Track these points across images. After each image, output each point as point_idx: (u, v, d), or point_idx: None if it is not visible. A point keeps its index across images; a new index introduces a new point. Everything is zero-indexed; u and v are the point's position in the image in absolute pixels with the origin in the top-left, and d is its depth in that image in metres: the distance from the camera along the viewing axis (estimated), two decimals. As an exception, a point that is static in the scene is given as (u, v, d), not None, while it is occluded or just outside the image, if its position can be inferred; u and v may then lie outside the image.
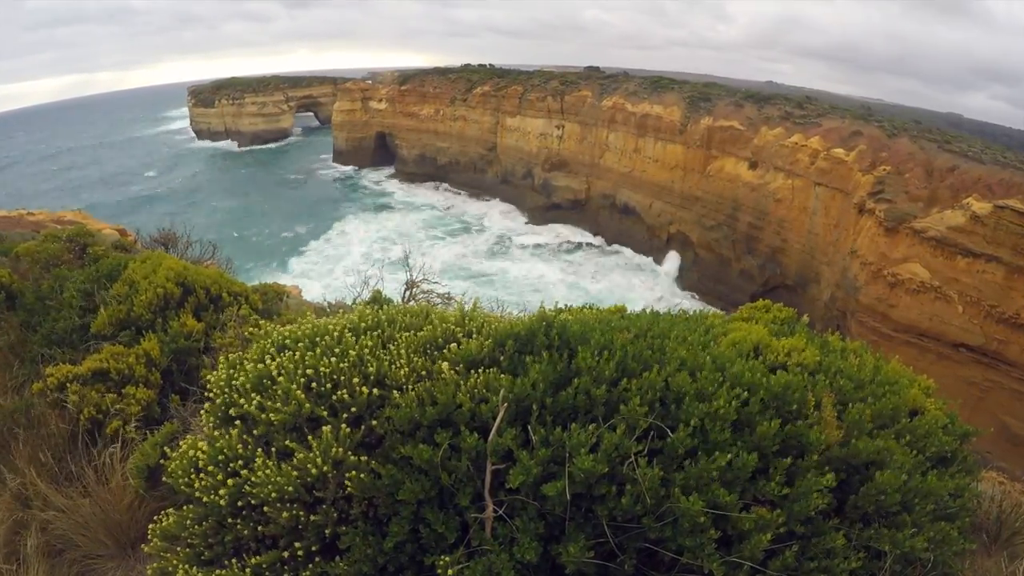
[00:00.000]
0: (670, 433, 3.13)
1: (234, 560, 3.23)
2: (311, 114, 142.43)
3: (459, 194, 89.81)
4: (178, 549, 3.37)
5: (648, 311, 5.13)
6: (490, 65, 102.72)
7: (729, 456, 3.04)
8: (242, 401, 3.45)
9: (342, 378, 3.46)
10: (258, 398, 3.44)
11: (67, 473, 4.65)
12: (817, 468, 3.26)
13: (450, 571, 2.91)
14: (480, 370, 3.43)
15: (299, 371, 3.50)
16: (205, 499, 3.27)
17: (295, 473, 3.15)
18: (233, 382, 3.62)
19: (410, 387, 3.41)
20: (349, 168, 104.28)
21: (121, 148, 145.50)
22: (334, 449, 3.16)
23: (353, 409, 3.34)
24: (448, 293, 9.70)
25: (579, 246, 74.05)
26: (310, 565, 3.13)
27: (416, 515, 3.11)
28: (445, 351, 3.64)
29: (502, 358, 3.59)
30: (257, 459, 3.24)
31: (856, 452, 3.40)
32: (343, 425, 3.27)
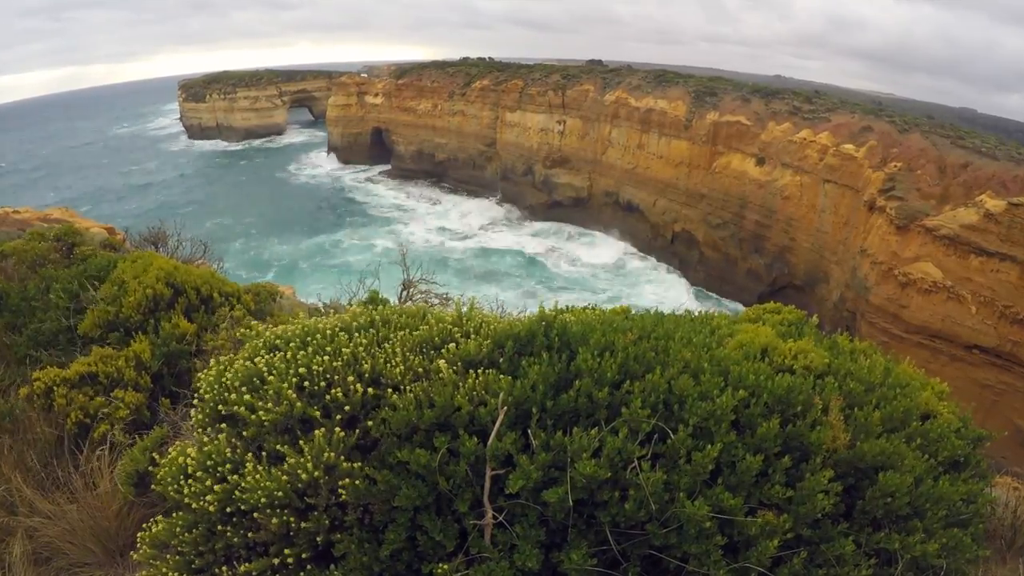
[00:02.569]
0: (672, 435, 3.06)
1: (224, 568, 3.20)
2: (305, 109, 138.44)
3: (457, 192, 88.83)
4: (167, 557, 3.32)
5: (653, 312, 5.04)
6: (489, 58, 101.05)
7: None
8: (233, 397, 3.36)
9: (336, 377, 3.38)
10: (248, 397, 3.35)
11: (54, 479, 4.60)
12: (821, 471, 3.20)
13: (448, 579, 2.84)
14: (479, 371, 3.36)
15: (291, 370, 3.42)
16: (194, 505, 3.22)
17: (285, 478, 3.08)
18: (223, 379, 3.54)
19: (406, 387, 3.34)
20: (343, 166, 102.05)
21: (108, 147, 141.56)
22: (326, 454, 3.09)
23: (347, 409, 3.28)
24: (446, 293, 9.59)
25: (578, 242, 73.64)
26: (302, 573, 3.08)
27: (413, 522, 3.06)
28: (443, 351, 3.56)
29: (501, 360, 3.52)
30: (247, 464, 3.16)
31: (862, 455, 3.34)
32: (336, 428, 3.18)
